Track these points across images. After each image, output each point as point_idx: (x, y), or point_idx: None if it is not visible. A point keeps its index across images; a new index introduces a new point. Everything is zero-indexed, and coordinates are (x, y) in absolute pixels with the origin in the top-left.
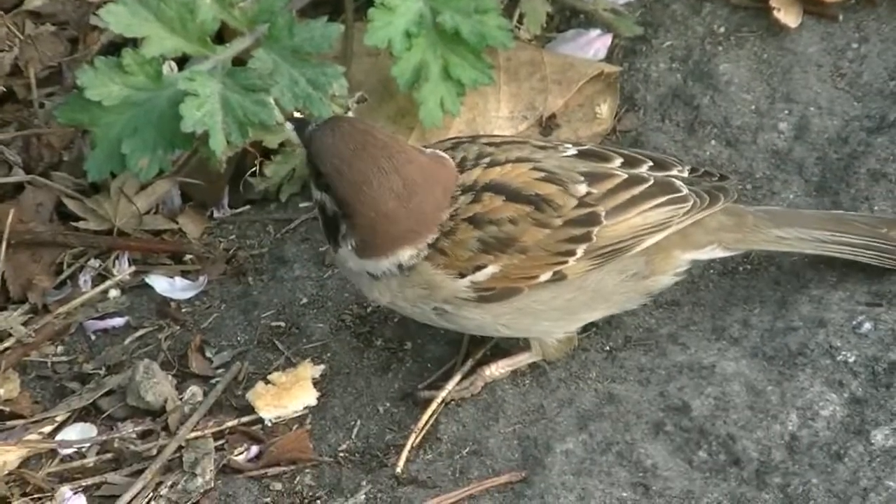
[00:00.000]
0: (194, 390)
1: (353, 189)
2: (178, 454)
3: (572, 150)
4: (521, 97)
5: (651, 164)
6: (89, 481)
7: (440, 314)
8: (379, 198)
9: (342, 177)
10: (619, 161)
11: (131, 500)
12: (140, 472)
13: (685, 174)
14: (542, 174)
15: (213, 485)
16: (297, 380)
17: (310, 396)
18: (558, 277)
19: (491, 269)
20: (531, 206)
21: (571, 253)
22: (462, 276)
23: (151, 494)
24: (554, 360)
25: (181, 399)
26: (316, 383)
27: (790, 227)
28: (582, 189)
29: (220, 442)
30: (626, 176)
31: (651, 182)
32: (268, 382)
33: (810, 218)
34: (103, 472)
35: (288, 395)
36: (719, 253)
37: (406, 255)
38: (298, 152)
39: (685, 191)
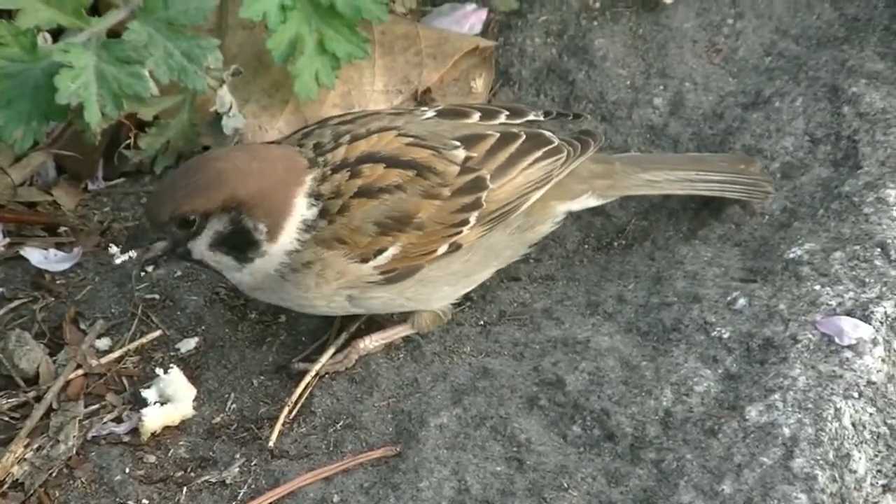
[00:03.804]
0: (67, 357)
1: (224, 183)
2: (47, 420)
3: (430, 112)
4: (396, 71)
5: (507, 112)
6: None
7: (351, 300)
8: (243, 169)
9: (206, 190)
10: (476, 115)
11: (3, 466)
12: (11, 439)
13: (541, 118)
14: (410, 139)
15: (74, 451)
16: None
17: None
18: (454, 248)
19: (391, 251)
20: (413, 171)
21: (465, 222)
22: (365, 261)
23: (15, 459)
24: (428, 332)
25: (55, 362)
26: (190, 356)
27: (657, 171)
28: (460, 154)
29: (94, 408)
30: (498, 135)
31: (523, 138)
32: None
33: (674, 160)
34: None
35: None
36: (593, 201)
37: (302, 205)
38: (174, 123)
39: (557, 141)
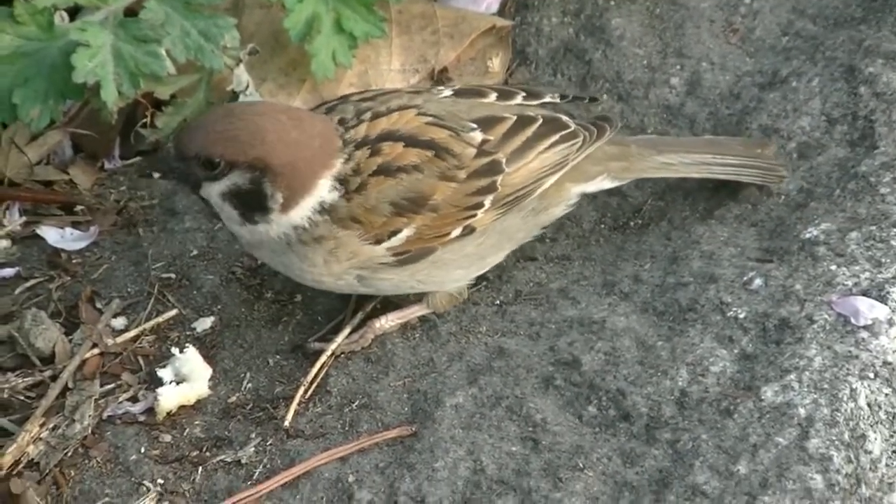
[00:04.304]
0: (82, 335)
1: (259, 143)
2: (62, 399)
3: (447, 91)
4: (413, 50)
5: (524, 94)
6: None
7: (360, 280)
8: (282, 134)
9: (241, 142)
10: (493, 95)
11: (18, 446)
12: (27, 418)
13: (557, 100)
14: (429, 118)
15: (90, 431)
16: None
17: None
18: (468, 231)
19: (406, 233)
20: (431, 151)
21: (479, 205)
22: (378, 242)
23: (30, 439)
24: (444, 312)
25: (71, 342)
26: (206, 335)
27: (673, 153)
28: (477, 136)
29: (110, 387)
30: (515, 118)
31: (540, 121)
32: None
33: (690, 143)
34: None
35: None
36: (607, 183)
37: (325, 187)
38: (190, 102)
39: (573, 126)
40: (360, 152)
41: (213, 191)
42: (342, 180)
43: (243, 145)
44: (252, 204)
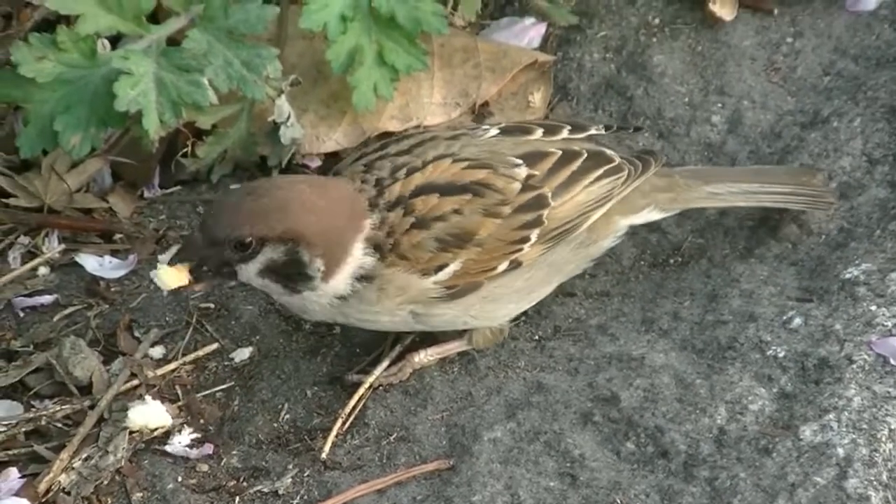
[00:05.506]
0: (121, 366)
1: (287, 214)
2: (97, 429)
3: (493, 130)
4: (455, 84)
5: (569, 127)
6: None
7: (415, 317)
8: (308, 204)
9: (269, 217)
10: (539, 131)
11: (53, 474)
12: (63, 446)
13: (602, 131)
14: (466, 163)
15: (122, 463)
16: None
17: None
18: (514, 266)
19: (452, 267)
20: (469, 194)
21: (525, 240)
22: (426, 275)
23: (63, 467)
24: (483, 349)
25: (108, 371)
26: (244, 366)
27: (720, 183)
28: (522, 172)
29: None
30: (560, 153)
31: (585, 156)
32: None
33: (735, 172)
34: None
35: None
36: (655, 215)
37: (359, 252)
38: (231, 133)
39: (618, 160)
40: (393, 214)
41: (250, 270)
42: (376, 245)
43: (270, 220)
44: (293, 275)
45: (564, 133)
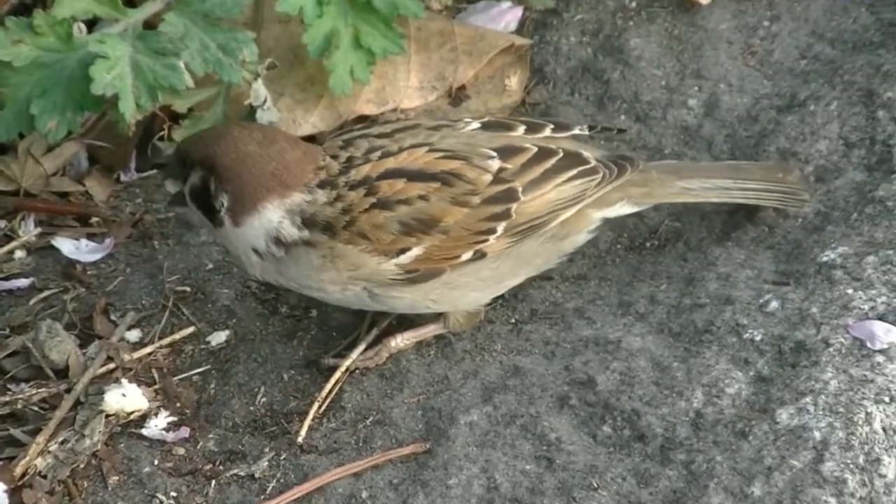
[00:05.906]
0: (97, 349)
1: (214, 144)
2: (73, 412)
3: (475, 124)
4: (431, 67)
5: (552, 126)
6: None
7: (372, 296)
8: (239, 143)
9: (203, 142)
10: (522, 129)
11: (29, 458)
12: (39, 430)
13: (585, 132)
14: (441, 153)
15: (99, 446)
16: None
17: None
18: (478, 256)
19: (414, 252)
20: (438, 183)
21: (492, 231)
22: (386, 256)
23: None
24: (460, 332)
25: (84, 354)
26: (220, 349)
27: (693, 178)
28: (495, 164)
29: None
30: (536, 149)
31: (560, 155)
32: None
33: (710, 168)
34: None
35: None
36: (628, 209)
37: (275, 215)
38: (208, 116)
39: (594, 162)
40: (354, 193)
41: (186, 191)
42: (308, 218)
43: (201, 145)
44: (206, 206)
45: (546, 132)
